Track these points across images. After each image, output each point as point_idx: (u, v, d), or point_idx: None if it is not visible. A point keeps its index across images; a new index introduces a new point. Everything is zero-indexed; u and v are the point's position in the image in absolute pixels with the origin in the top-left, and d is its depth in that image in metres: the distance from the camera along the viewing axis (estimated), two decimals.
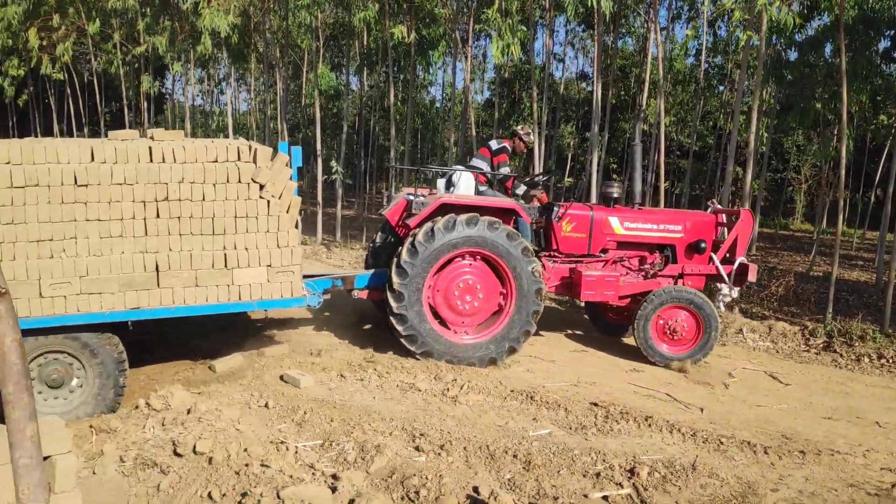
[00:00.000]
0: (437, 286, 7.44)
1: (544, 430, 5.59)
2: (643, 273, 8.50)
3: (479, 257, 7.48)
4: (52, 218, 5.63)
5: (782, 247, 21.02)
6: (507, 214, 7.71)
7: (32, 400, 2.63)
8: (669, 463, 4.90)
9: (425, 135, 29.93)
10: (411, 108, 19.68)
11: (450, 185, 8.32)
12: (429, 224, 7.25)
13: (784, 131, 21.79)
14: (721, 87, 21.53)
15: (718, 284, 8.37)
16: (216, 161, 6.08)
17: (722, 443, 5.40)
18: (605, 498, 4.46)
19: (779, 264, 16.60)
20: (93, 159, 5.76)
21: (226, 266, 6.14)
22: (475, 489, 4.44)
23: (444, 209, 7.44)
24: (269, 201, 6.22)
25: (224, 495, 4.29)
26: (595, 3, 9.81)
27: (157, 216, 5.92)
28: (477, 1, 15.27)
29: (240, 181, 6.11)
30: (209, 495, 4.31)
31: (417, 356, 7.27)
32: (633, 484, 4.64)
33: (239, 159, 6.14)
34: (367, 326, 7.87)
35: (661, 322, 7.94)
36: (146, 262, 5.90)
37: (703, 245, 8.25)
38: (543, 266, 8.19)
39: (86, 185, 5.69)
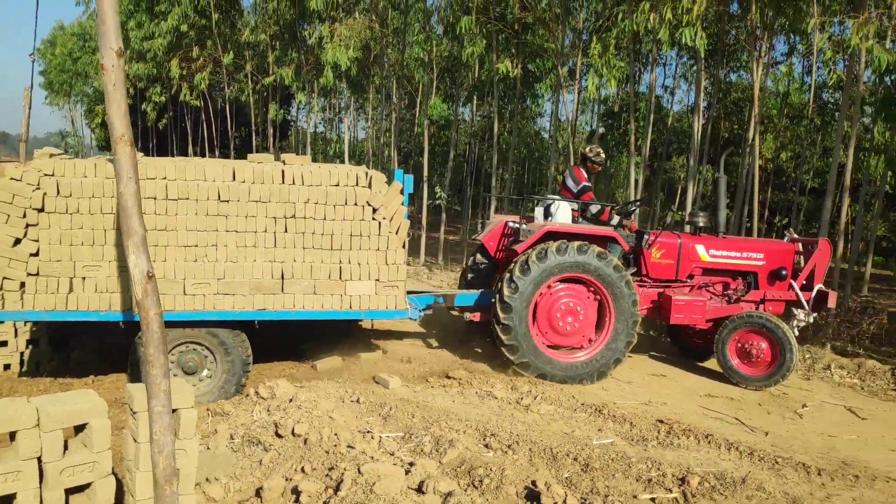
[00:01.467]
0: (542, 305, 7.97)
1: (607, 439, 6.00)
2: (727, 298, 8.89)
3: (580, 283, 7.98)
4: (198, 227, 6.55)
5: None
6: (606, 241, 8.23)
7: (167, 361, 3.39)
8: (721, 475, 5.20)
9: (530, 164, 30.49)
10: (516, 137, 20.31)
11: (547, 214, 8.84)
12: (542, 246, 7.84)
13: None
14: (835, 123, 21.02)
15: (794, 309, 8.69)
16: (338, 185, 6.86)
17: (777, 462, 5.63)
18: (652, 500, 4.83)
19: (889, 306, 16.00)
20: (234, 178, 6.66)
21: (340, 278, 6.89)
22: (533, 482, 4.92)
23: (549, 236, 8.03)
24: (380, 223, 6.93)
25: (314, 469, 4.97)
26: (690, 41, 10.14)
27: (285, 231, 6.75)
28: (588, 35, 15.75)
29: (356, 204, 6.86)
30: (302, 469, 5.00)
31: (515, 366, 7.80)
32: (683, 491, 4.99)
33: (357, 185, 6.89)
34: (456, 341, 8.50)
35: (739, 345, 8.34)
36: (273, 270, 6.74)
37: (783, 272, 8.65)
38: None
39: (227, 201, 6.59)
